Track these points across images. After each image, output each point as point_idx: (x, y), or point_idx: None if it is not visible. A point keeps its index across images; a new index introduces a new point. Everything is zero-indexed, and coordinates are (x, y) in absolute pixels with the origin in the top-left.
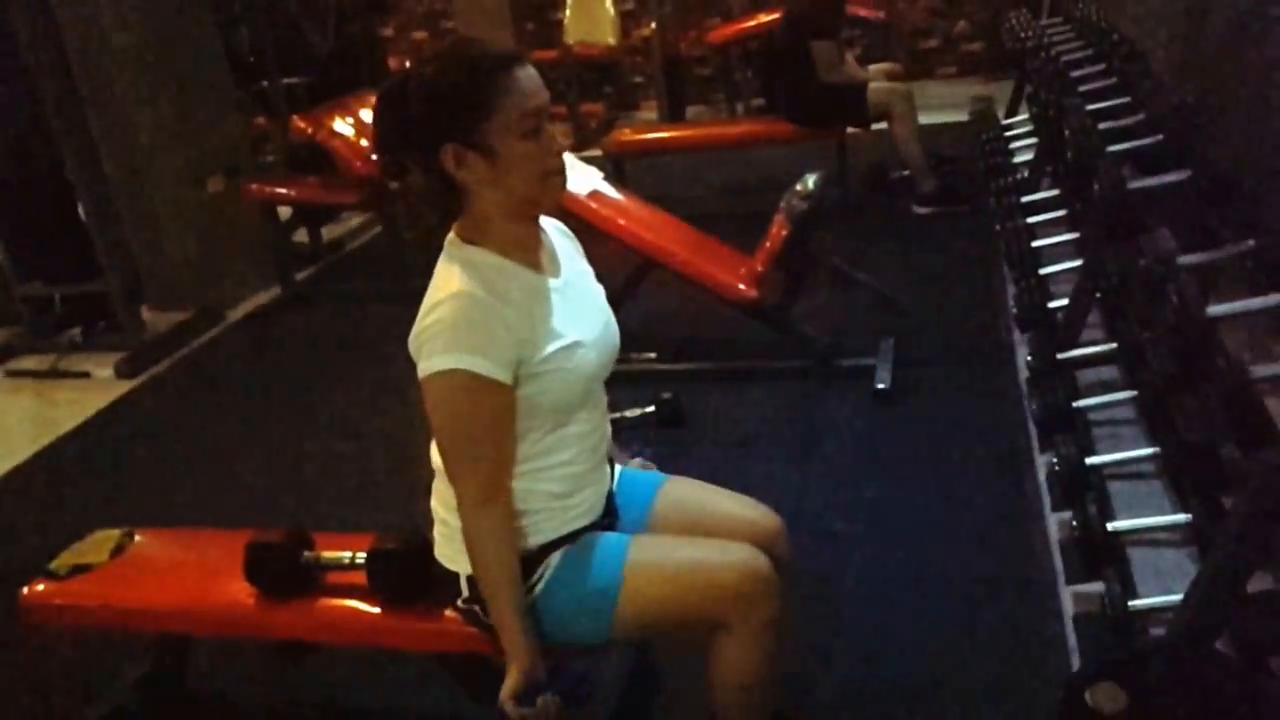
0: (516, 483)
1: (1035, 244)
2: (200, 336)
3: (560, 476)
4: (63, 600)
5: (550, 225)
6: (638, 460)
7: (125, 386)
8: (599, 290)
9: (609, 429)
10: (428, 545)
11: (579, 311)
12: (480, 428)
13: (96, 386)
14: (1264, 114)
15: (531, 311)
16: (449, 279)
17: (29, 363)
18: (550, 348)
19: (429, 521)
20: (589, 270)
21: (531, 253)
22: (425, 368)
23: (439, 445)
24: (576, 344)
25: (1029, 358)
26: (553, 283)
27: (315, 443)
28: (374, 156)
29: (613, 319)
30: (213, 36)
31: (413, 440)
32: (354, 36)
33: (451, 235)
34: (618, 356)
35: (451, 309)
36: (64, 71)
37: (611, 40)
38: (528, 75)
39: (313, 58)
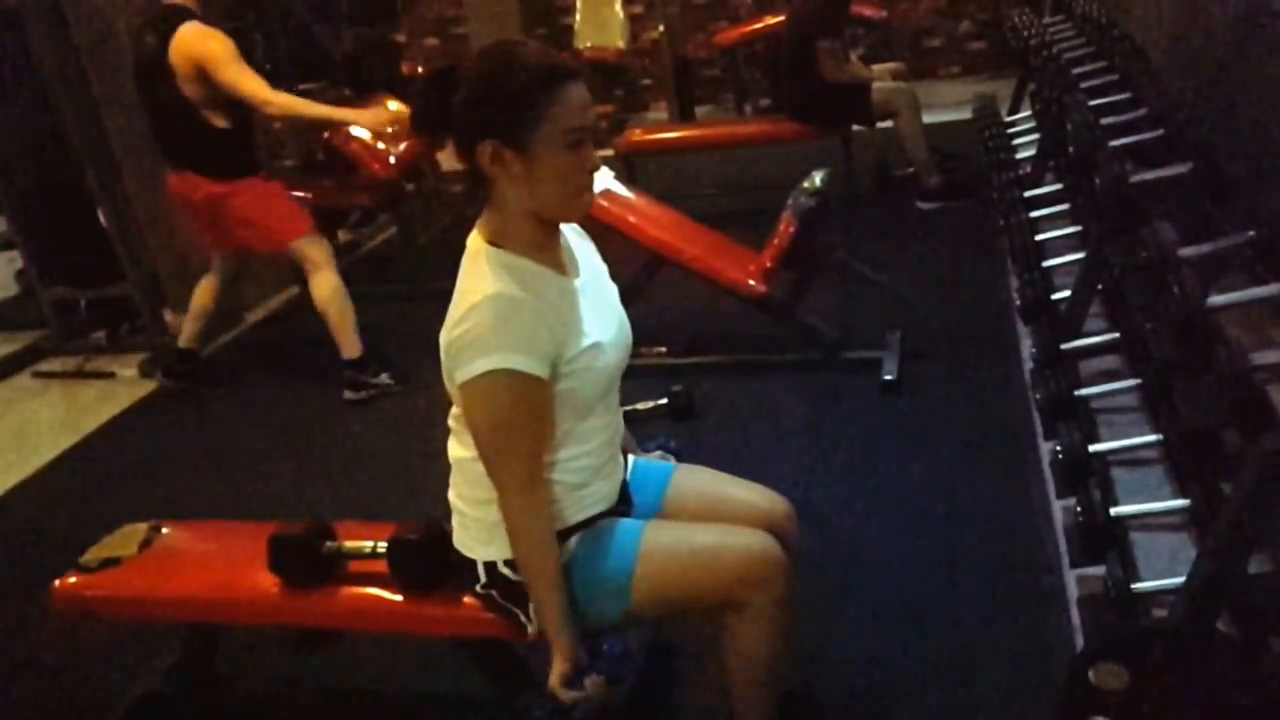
0: None
1: (1038, 237)
2: (221, 338)
3: (579, 468)
4: (93, 593)
5: (566, 226)
6: (658, 452)
7: (149, 386)
8: (613, 289)
9: (622, 422)
10: (446, 534)
11: (599, 311)
12: (522, 423)
13: (121, 386)
14: (1264, 108)
15: (562, 311)
16: (481, 282)
17: (55, 364)
18: (577, 347)
19: (447, 513)
20: (604, 269)
21: (553, 254)
22: (468, 371)
23: (480, 442)
24: (598, 344)
25: (1033, 348)
26: (576, 283)
27: (334, 438)
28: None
29: (626, 319)
30: None
31: (429, 434)
32: (369, 42)
33: (474, 237)
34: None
35: (490, 311)
36: (80, 81)
37: (621, 44)
38: (581, 92)
39: (327, 64)
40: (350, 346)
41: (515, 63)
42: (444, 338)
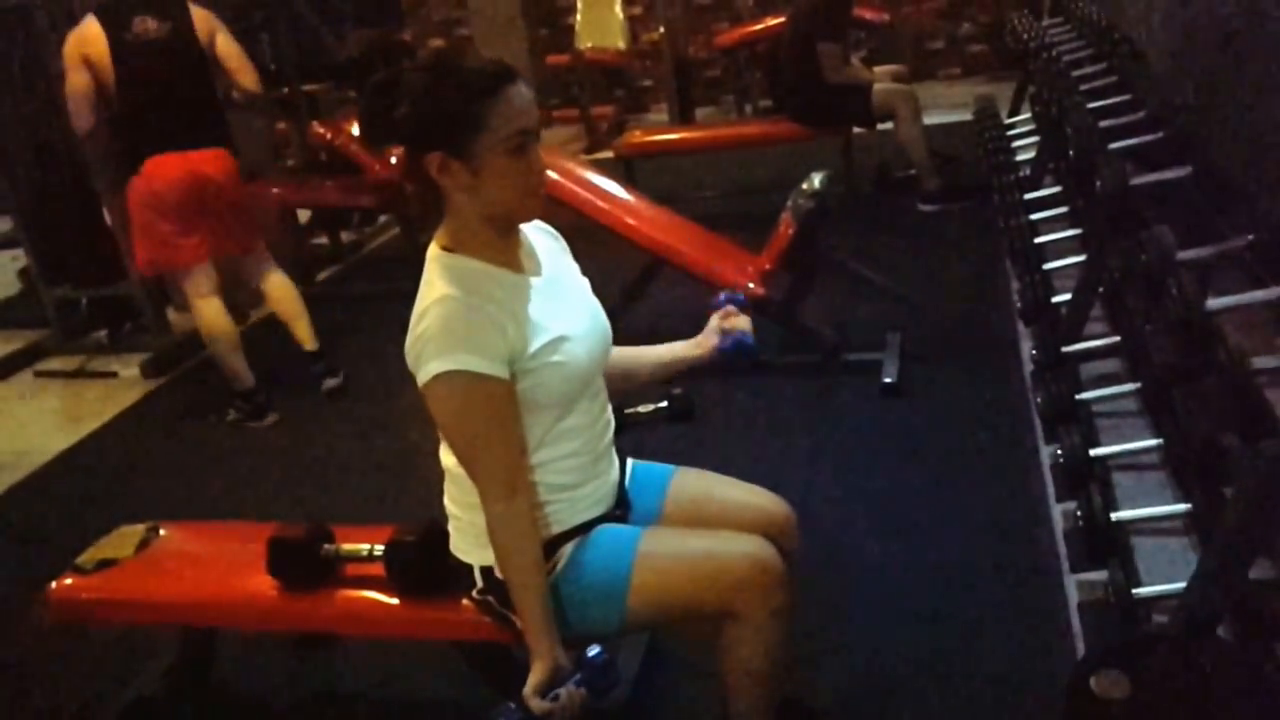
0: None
1: (1038, 240)
2: None
3: (566, 468)
4: (90, 594)
5: (532, 225)
6: (728, 306)
7: (151, 385)
8: (584, 286)
9: (612, 420)
10: (444, 537)
11: (562, 307)
12: (486, 424)
13: (123, 386)
14: (1262, 111)
15: (515, 310)
16: (431, 287)
17: (57, 363)
18: (537, 343)
19: (445, 517)
20: (574, 267)
21: (510, 254)
22: (423, 375)
23: (451, 447)
24: (562, 338)
25: (1033, 352)
26: (534, 281)
27: (336, 439)
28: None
29: (601, 313)
30: None
31: (427, 436)
32: (374, 43)
33: (432, 246)
34: (611, 349)
35: (438, 314)
36: None
37: (622, 45)
38: (519, 94)
39: (333, 65)
40: (245, 376)
41: (452, 74)
42: (405, 345)
